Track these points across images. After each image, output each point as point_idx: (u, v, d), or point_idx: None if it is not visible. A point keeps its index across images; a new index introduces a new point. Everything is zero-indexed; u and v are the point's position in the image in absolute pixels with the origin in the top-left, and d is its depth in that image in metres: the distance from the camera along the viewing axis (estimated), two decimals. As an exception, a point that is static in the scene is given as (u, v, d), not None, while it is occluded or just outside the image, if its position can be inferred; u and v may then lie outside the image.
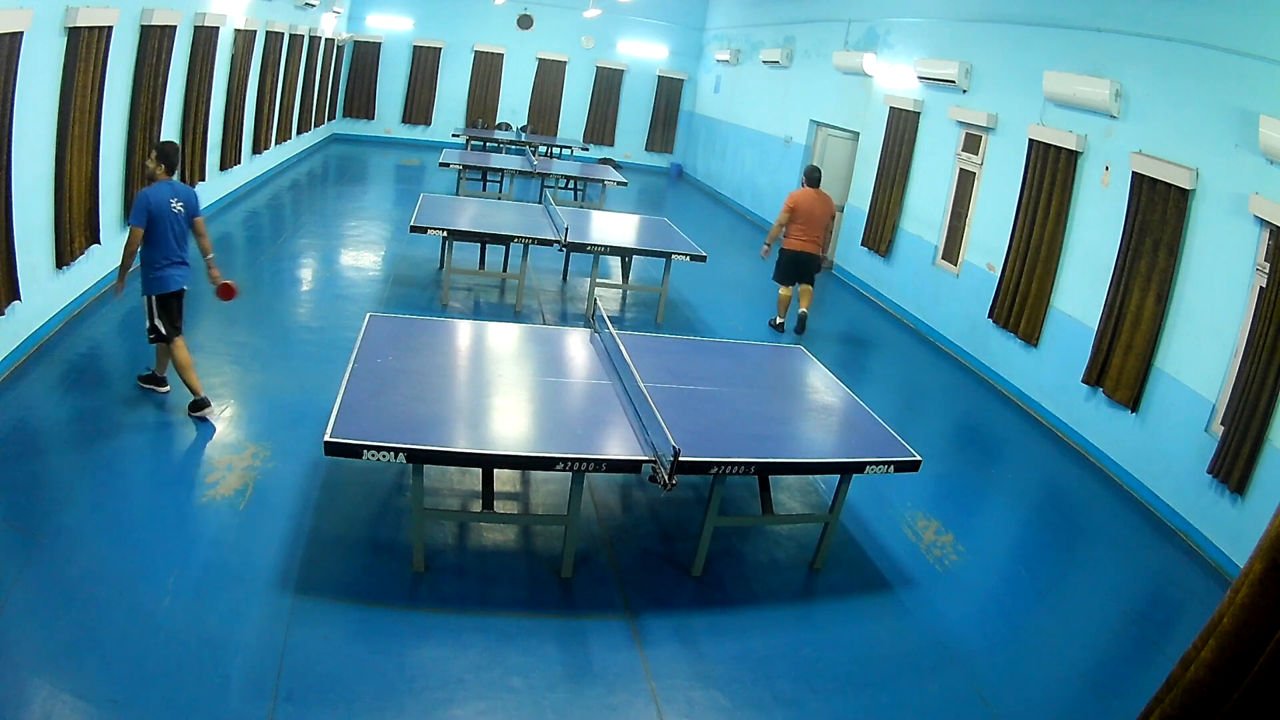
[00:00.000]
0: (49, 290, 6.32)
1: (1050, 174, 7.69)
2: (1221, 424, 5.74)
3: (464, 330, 5.79)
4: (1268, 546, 2.79)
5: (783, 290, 8.89)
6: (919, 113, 10.19)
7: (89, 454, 4.96)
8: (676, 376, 5.14)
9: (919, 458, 4.57)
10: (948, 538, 5.42)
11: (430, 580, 4.28)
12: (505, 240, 8.45)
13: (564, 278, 9.84)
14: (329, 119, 17.43)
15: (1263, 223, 5.58)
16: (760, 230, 14.22)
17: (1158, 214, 6.42)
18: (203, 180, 9.74)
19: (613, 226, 9.73)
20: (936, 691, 4.07)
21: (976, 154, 9.10)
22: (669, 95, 19.86)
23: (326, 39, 15.56)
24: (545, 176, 12.97)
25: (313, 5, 13.43)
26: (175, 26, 8.03)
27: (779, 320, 8.96)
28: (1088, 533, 6.01)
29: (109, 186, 7.18)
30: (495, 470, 4.80)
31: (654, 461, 4.02)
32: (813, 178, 8.75)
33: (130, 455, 5.01)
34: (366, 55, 18.11)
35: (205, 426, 5.44)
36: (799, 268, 8.71)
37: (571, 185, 14.12)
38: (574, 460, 4.02)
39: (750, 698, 3.82)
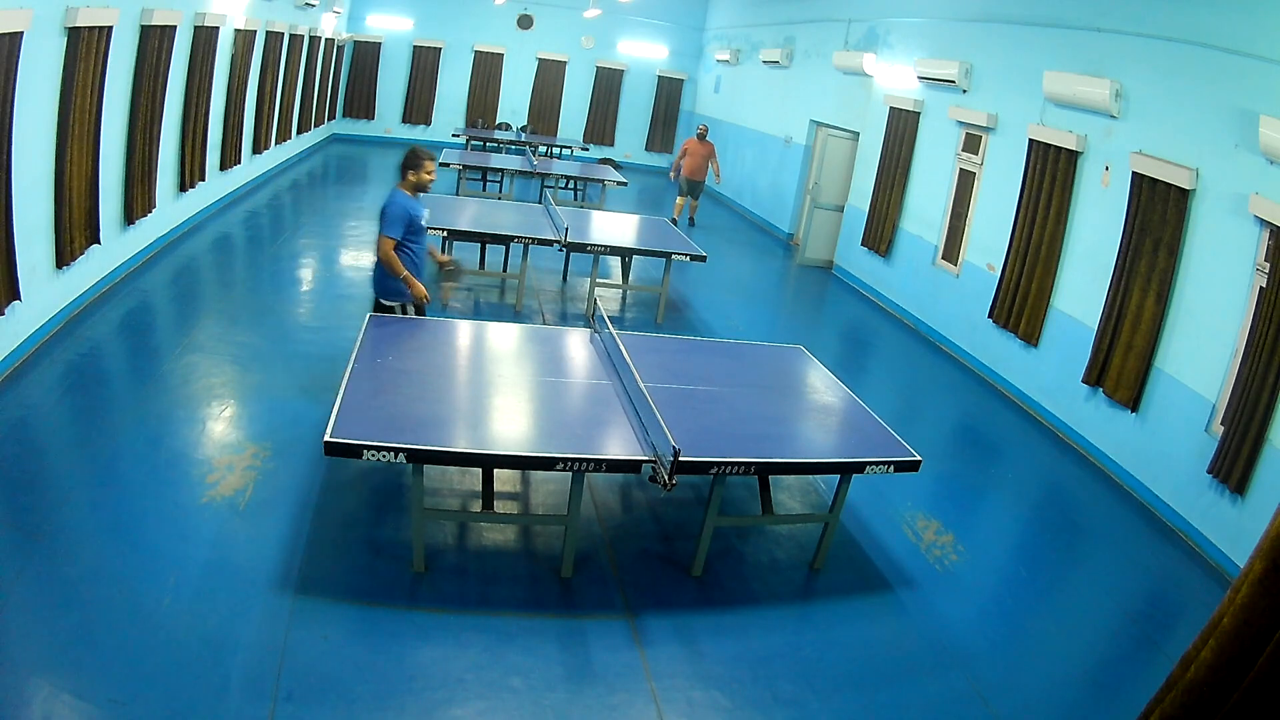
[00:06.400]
0: (49, 290, 6.31)
1: (1050, 174, 7.69)
2: (1221, 424, 5.74)
3: (464, 330, 5.79)
4: (1268, 546, 2.79)
5: (679, 200, 13.89)
6: (919, 113, 10.19)
7: (89, 454, 4.97)
8: (676, 376, 5.14)
9: (919, 458, 4.56)
10: (948, 538, 5.42)
11: (430, 580, 4.28)
12: (505, 240, 8.44)
13: (564, 278, 9.84)
14: (329, 119, 17.42)
15: (1263, 223, 5.59)
16: (760, 230, 14.65)
17: (1158, 214, 6.42)
18: (203, 180, 9.74)
19: (613, 226, 9.72)
20: (936, 691, 4.07)
21: (976, 154, 9.10)
22: (669, 95, 19.85)
23: (326, 39, 15.55)
24: (545, 176, 12.97)
25: (313, 5, 13.42)
26: (175, 26, 8.03)
27: (674, 218, 13.36)
28: (1088, 533, 6.01)
29: (109, 186, 7.17)
30: (495, 470, 4.80)
31: (654, 461, 4.02)
32: (700, 133, 13.78)
33: (130, 455, 5.01)
34: (366, 55, 18.09)
35: (206, 426, 5.44)
36: (689, 186, 13.66)
37: (571, 185, 14.13)
38: (574, 460, 4.02)
39: (750, 698, 3.82)
